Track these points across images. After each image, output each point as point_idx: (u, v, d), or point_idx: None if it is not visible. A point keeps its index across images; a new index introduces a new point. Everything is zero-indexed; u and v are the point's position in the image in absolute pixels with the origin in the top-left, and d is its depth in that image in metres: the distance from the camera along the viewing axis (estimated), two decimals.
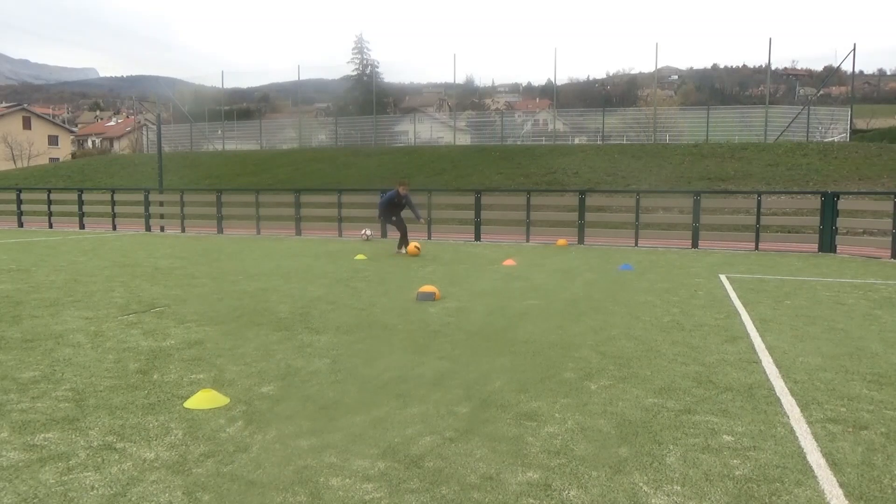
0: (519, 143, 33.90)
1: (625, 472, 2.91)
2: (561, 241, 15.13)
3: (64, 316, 6.29)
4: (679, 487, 2.77)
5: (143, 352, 4.96)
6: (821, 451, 3.14)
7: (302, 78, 37.45)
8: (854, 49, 27.00)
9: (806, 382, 4.27)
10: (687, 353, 5.01)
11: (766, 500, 2.66)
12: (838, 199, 13.77)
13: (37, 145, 60.31)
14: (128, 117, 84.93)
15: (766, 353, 5.04)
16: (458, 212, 17.21)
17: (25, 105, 73.54)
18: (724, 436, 3.34)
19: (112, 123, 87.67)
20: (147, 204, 19.73)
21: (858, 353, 5.03)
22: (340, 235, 17.52)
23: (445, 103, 53.74)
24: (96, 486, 2.75)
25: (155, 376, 4.33)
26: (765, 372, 4.51)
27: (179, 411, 3.66)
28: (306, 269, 10.07)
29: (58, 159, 57.09)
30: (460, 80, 54.18)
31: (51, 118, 73.51)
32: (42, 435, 3.31)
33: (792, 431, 3.40)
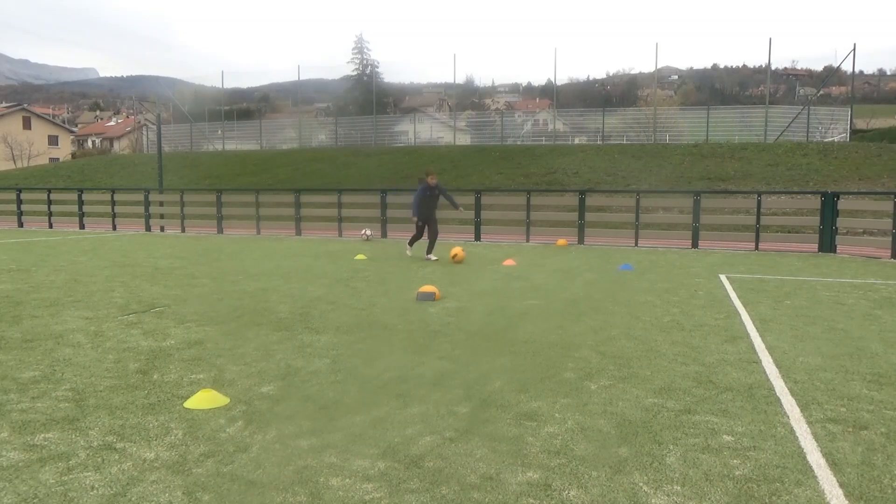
0: (519, 143, 33.90)
1: (625, 472, 2.91)
2: (561, 241, 15.13)
3: (64, 316, 6.29)
4: (679, 487, 2.77)
5: (143, 352, 4.96)
6: (821, 451, 3.14)
7: (302, 78, 37.46)
8: (854, 49, 27.01)
9: (806, 382, 4.27)
10: (687, 353, 5.01)
11: (766, 500, 2.66)
12: (838, 199, 13.77)
13: (37, 145, 60.32)
14: (128, 117, 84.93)
15: (766, 353, 5.04)
16: (459, 212, 17.17)
17: (25, 105, 73.55)
18: (724, 436, 3.34)
19: (112, 123, 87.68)
20: (147, 204, 19.73)
21: (858, 353, 5.03)
22: (340, 235, 17.52)
23: (445, 103, 53.74)
24: (96, 486, 2.75)
25: (155, 376, 4.33)
26: (765, 372, 4.51)
27: (179, 411, 3.66)
28: (306, 269, 10.07)
29: (58, 159, 57.10)
30: (460, 80, 54.21)
31: (51, 118, 73.51)
32: (42, 435, 3.31)
33: (792, 431, 3.40)
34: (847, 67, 33.02)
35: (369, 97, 38.39)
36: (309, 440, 3.25)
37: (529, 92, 70.12)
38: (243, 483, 2.79)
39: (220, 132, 39.03)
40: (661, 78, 38.91)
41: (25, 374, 4.35)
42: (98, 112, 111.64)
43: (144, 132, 46.66)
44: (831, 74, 36.27)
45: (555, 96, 35.66)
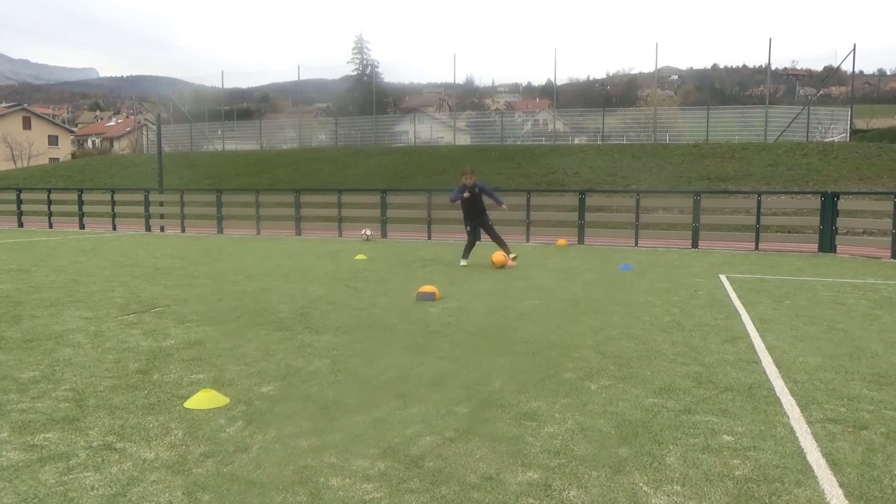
0: (519, 143, 33.92)
1: (625, 472, 2.91)
2: (561, 241, 15.13)
3: (64, 316, 6.29)
4: (679, 487, 2.77)
5: (143, 352, 4.96)
6: (821, 451, 3.14)
7: (302, 78, 37.48)
8: (854, 49, 27.03)
9: (806, 382, 4.27)
10: (687, 353, 5.01)
11: (766, 500, 2.66)
12: (838, 199, 13.77)
13: (37, 145, 60.35)
14: (128, 117, 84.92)
15: (766, 353, 5.04)
16: (459, 212, 17.13)
17: (25, 105, 73.58)
18: (724, 436, 3.34)
19: (112, 123, 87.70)
20: (147, 204, 19.73)
21: (858, 353, 5.03)
22: (340, 235, 17.52)
23: (445, 103, 53.74)
24: (96, 486, 2.75)
25: (155, 376, 4.33)
26: (765, 372, 4.51)
27: (179, 411, 3.66)
28: (306, 269, 10.07)
29: (58, 159, 57.11)
30: (460, 80, 54.25)
31: (51, 118, 73.55)
32: (42, 435, 3.31)
33: (792, 431, 3.40)
34: (847, 67, 33.04)
35: (369, 97, 38.41)
36: (309, 440, 3.25)
37: (529, 92, 70.17)
38: (243, 483, 2.79)
39: (220, 132, 39.04)
40: (661, 78, 38.91)
41: (25, 374, 4.35)
42: (98, 112, 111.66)
43: (144, 132, 46.67)
44: (831, 74, 36.28)
45: (555, 96, 35.68)
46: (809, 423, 3.53)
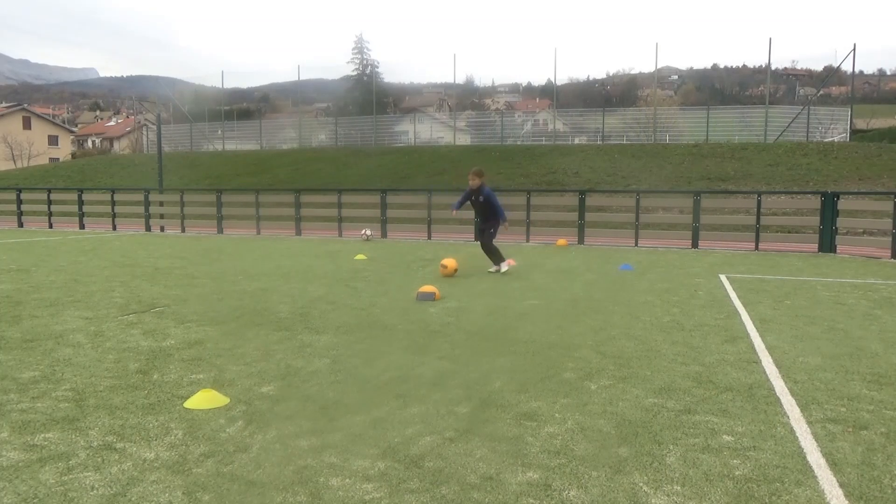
0: (519, 143, 33.92)
1: (625, 472, 2.91)
2: (561, 241, 15.13)
3: (64, 316, 6.29)
4: (679, 487, 2.77)
5: (143, 352, 4.96)
6: (821, 451, 3.14)
7: (302, 78, 37.48)
8: (854, 49, 27.03)
9: (806, 382, 4.27)
10: (687, 353, 5.01)
11: (766, 500, 2.66)
12: (838, 199, 13.77)
13: (37, 145, 60.35)
14: (128, 117, 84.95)
15: (766, 353, 5.04)
16: (459, 212, 17.18)
17: (25, 105, 73.59)
18: (724, 436, 3.34)
19: (112, 123, 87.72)
20: (147, 204, 19.73)
21: (858, 353, 5.03)
22: (340, 235, 17.52)
23: (445, 103, 53.75)
24: (96, 486, 2.75)
25: (155, 376, 4.33)
26: (765, 372, 4.51)
27: (179, 411, 3.66)
28: (306, 269, 10.07)
29: (58, 159, 57.12)
30: (460, 80, 54.25)
31: (51, 118, 73.55)
32: (42, 435, 3.31)
33: (792, 431, 3.40)
34: (847, 67, 33.03)
35: (369, 97, 38.41)
36: (309, 440, 3.25)
37: (529, 92, 70.19)
38: (243, 483, 2.79)
39: (220, 132, 39.04)
40: (661, 78, 38.91)
41: (25, 374, 4.35)
42: (98, 112, 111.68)
43: (144, 132, 46.67)
44: (831, 74, 36.28)
45: (555, 96, 35.68)
46: (809, 423, 3.53)
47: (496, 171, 25.45)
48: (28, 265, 10.37)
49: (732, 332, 5.76)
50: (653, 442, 3.25)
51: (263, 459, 3.02)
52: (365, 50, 56.57)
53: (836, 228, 13.61)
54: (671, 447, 3.19)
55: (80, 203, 20.43)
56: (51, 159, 58.01)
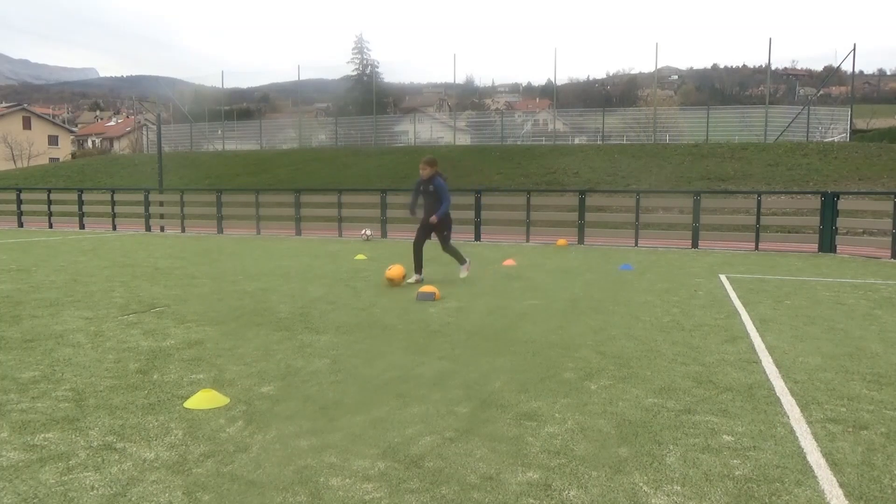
0: (519, 143, 33.92)
1: (625, 472, 2.91)
2: (561, 241, 15.14)
3: (64, 316, 6.29)
4: (679, 487, 2.77)
5: (143, 352, 4.96)
6: (821, 451, 3.14)
7: (302, 78, 37.49)
8: (854, 49, 27.03)
9: (806, 382, 4.27)
10: (687, 353, 5.01)
11: (766, 500, 2.66)
12: (838, 199, 13.77)
13: (37, 145, 60.36)
14: (128, 117, 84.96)
15: (766, 353, 5.04)
16: (458, 212, 17.14)
17: (25, 105, 73.60)
18: (724, 436, 3.34)
19: (112, 123, 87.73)
20: (147, 204, 19.73)
21: (858, 353, 5.03)
22: (340, 235, 17.52)
23: (445, 103, 53.77)
24: (96, 486, 2.75)
25: (155, 376, 4.33)
26: (765, 372, 4.51)
27: (179, 411, 3.66)
28: (306, 269, 10.07)
29: (58, 159, 57.14)
30: (460, 80, 54.25)
31: (51, 118, 73.55)
32: (42, 435, 3.31)
33: (792, 431, 3.40)
34: (847, 67, 33.03)
35: (369, 97, 38.43)
36: (309, 440, 3.25)
37: (529, 92, 70.22)
38: (243, 483, 2.79)
39: (220, 132, 39.05)
40: (661, 78, 38.92)
41: (25, 374, 4.35)
42: (98, 112, 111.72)
43: (144, 132, 46.67)
44: (831, 74, 36.28)
45: (555, 96, 35.68)
46: (809, 423, 3.53)
47: (496, 171, 25.45)
48: (28, 265, 10.37)
49: (732, 332, 5.76)
50: (653, 442, 3.25)
51: (263, 459, 3.02)
52: (365, 50, 56.57)
53: (836, 228, 13.61)
54: (671, 447, 3.19)
55: (80, 203, 20.43)
56: (51, 159, 58.03)
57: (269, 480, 2.81)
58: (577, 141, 33.43)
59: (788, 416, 3.62)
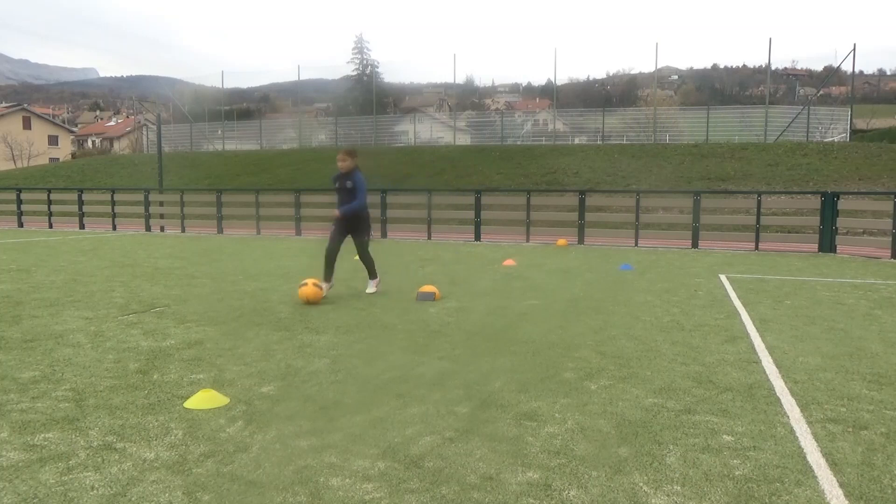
0: (519, 143, 33.90)
1: (625, 472, 2.91)
2: (561, 241, 15.13)
3: (64, 316, 6.29)
4: (679, 487, 2.77)
5: (143, 352, 4.96)
6: (821, 451, 3.14)
7: (302, 78, 37.48)
8: (854, 49, 27.01)
9: (806, 382, 4.27)
10: (687, 353, 5.01)
11: (766, 500, 2.66)
12: (838, 199, 13.77)
13: (37, 145, 60.34)
14: (128, 117, 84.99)
15: (766, 353, 5.04)
16: (458, 212, 17.21)
17: (25, 105, 73.59)
18: (724, 436, 3.34)
19: (112, 123, 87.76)
20: (147, 204, 19.73)
21: (858, 353, 5.03)
22: None
23: (445, 103, 53.79)
24: (96, 486, 2.75)
25: (155, 376, 4.33)
26: (765, 372, 4.51)
27: (179, 411, 3.66)
28: (306, 269, 10.06)
29: (58, 159, 57.12)
30: (460, 80, 54.18)
31: (51, 118, 73.55)
32: (42, 435, 3.31)
33: (792, 431, 3.40)
34: (847, 67, 32.99)
35: (369, 97, 38.42)
36: (309, 440, 3.25)
37: (529, 92, 70.25)
38: (243, 483, 2.79)
39: (220, 132, 39.04)
40: (661, 78, 38.92)
41: (25, 374, 4.35)
42: (98, 112, 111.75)
43: (144, 132, 46.68)
44: (831, 74, 36.29)
45: (555, 96, 35.66)
46: (809, 423, 3.53)
47: (496, 171, 25.45)
48: (28, 265, 10.37)
49: (732, 332, 5.76)
50: (653, 442, 3.25)
51: (263, 459, 3.02)
52: (365, 50, 56.59)
53: (836, 228, 13.61)
54: (671, 447, 3.19)
55: (80, 203, 20.42)
56: (51, 159, 58.00)
57: (269, 480, 2.81)
58: (577, 141, 33.41)
59: (788, 416, 3.62)
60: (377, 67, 51.02)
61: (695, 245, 14.50)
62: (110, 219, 20.08)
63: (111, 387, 4.10)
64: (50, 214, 20.91)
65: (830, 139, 28.29)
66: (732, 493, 2.72)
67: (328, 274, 7.68)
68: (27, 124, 64.22)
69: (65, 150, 66.76)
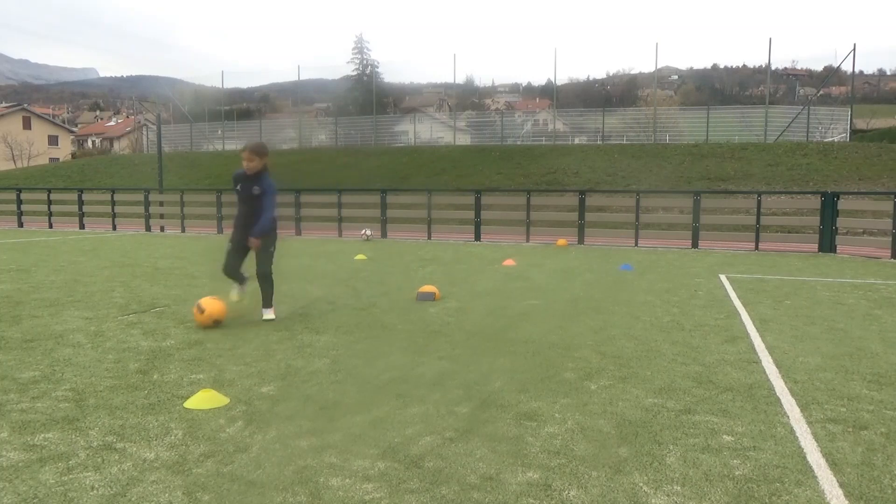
0: (519, 143, 33.90)
1: (625, 472, 2.91)
2: (561, 241, 15.13)
3: (64, 316, 6.29)
4: (679, 487, 2.77)
5: (143, 352, 4.96)
6: (821, 451, 3.14)
7: (302, 78, 37.50)
8: (854, 49, 27.02)
9: (806, 382, 4.27)
10: (687, 353, 5.01)
11: (766, 501, 2.66)
12: (838, 199, 13.77)
13: (37, 145, 60.35)
14: (128, 117, 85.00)
15: (766, 353, 5.04)
16: (458, 212, 17.21)
17: (25, 105, 73.62)
18: (724, 436, 3.34)
19: (112, 123, 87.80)
20: (147, 204, 19.73)
21: (858, 353, 5.03)
22: (340, 235, 17.52)
23: (445, 103, 53.81)
24: (96, 486, 2.75)
25: (155, 376, 4.33)
26: (765, 372, 4.51)
27: (179, 411, 3.66)
28: (306, 269, 10.07)
29: (58, 159, 57.13)
30: (460, 80, 54.23)
31: (51, 118, 73.56)
32: (42, 435, 3.30)
33: (792, 431, 3.40)
34: (847, 67, 33.02)
35: (369, 97, 38.43)
36: (309, 440, 3.25)
37: (529, 92, 70.30)
38: (243, 483, 2.79)
39: (220, 132, 39.05)
40: (661, 78, 38.92)
41: (25, 374, 4.35)
42: (98, 112, 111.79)
43: (144, 132, 46.67)
44: (831, 74, 36.29)
45: (555, 96, 35.67)
46: (809, 423, 3.53)
47: (496, 171, 25.45)
48: (28, 265, 10.36)
49: (732, 332, 5.76)
50: (653, 442, 3.25)
51: (263, 459, 3.02)
52: (365, 50, 56.63)
53: (836, 228, 13.61)
54: (671, 447, 3.19)
55: (80, 203, 20.42)
56: (51, 159, 58.01)
57: (269, 480, 2.81)
58: (577, 141, 33.42)
59: (788, 416, 3.62)
60: (377, 67, 51.06)
61: (695, 245, 14.50)
62: (110, 219, 20.08)
63: (111, 387, 4.10)
64: (50, 214, 20.91)
65: (830, 139, 28.29)
66: (732, 493, 2.72)
67: (269, 297, 6.34)
68: (27, 124, 64.22)
69: (65, 150, 66.76)
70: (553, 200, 17.52)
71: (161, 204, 20.14)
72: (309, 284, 8.45)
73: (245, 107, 50.91)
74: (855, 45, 27.12)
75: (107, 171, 33.63)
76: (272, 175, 6.40)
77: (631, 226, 15.34)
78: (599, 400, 3.89)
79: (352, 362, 4.71)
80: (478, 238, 16.32)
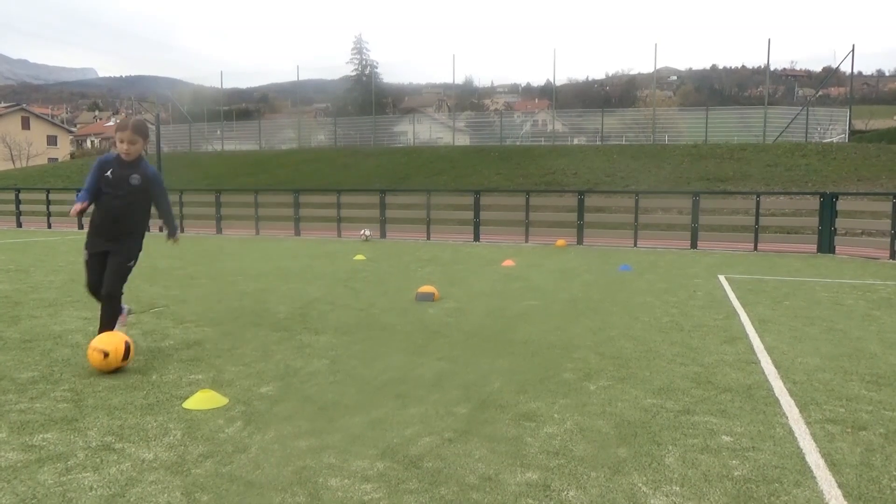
0: (518, 143, 33.94)
1: (624, 472, 2.91)
2: (560, 242, 15.14)
3: (62, 316, 6.28)
4: (678, 488, 2.77)
5: (142, 352, 4.96)
6: (819, 452, 3.14)
7: (301, 78, 37.52)
8: (853, 50, 27.05)
9: (805, 383, 4.27)
10: (686, 354, 5.01)
11: (765, 501, 2.66)
12: (837, 199, 13.79)
13: (35, 145, 60.32)
14: (127, 117, 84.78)
15: (765, 353, 5.04)
16: (458, 212, 17.23)
17: (24, 105, 73.60)
18: (723, 436, 3.34)
19: (111, 123, 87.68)
20: None
21: (857, 354, 5.04)
22: (339, 236, 17.52)
23: (444, 104, 53.83)
24: (95, 486, 2.75)
25: (154, 377, 4.33)
26: (763, 372, 4.51)
27: (178, 412, 3.66)
28: (305, 270, 10.07)
29: (56, 159, 57.08)
30: (459, 80, 54.22)
31: (50, 118, 73.53)
32: (40, 435, 3.30)
33: (791, 432, 3.40)
34: (846, 68, 33.02)
35: (368, 97, 38.47)
36: (308, 441, 3.25)
37: (528, 92, 70.35)
38: (242, 483, 2.78)
39: (219, 132, 39.04)
40: (660, 78, 38.95)
41: (24, 375, 4.34)
42: (97, 112, 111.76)
43: None
44: (830, 75, 36.33)
45: (554, 97, 35.70)
46: (808, 423, 3.53)
47: (495, 172, 25.46)
48: (27, 265, 10.36)
49: (731, 333, 5.76)
50: (652, 442, 3.25)
51: (262, 460, 3.02)
52: (364, 50, 56.68)
53: (835, 229, 13.63)
54: (670, 448, 3.19)
55: None
56: (49, 159, 57.96)
57: (268, 481, 2.81)
58: (576, 141, 33.46)
59: (787, 417, 3.62)
60: (376, 68, 51.14)
61: (694, 246, 14.51)
62: None
63: (110, 387, 4.10)
64: (49, 214, 20.90)
65: (829, 140, 28.33)
66: (731, 493, 2.72)
67: (113, 317, 4.83)
68: (26, 124, 64.19)
69: (63, 150, 66.72)
70: (552, 201, 17.53)
71: None
72: (308, 285, 8.45)
73: (244, 107, 50.94)
74: (854, 45, 27.18)
75: None
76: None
77: (630, 226, 15.35)
78: (598, 400, 3.89)
79: (351, 363, 4.71)
80: (477, 238, 16.32)
